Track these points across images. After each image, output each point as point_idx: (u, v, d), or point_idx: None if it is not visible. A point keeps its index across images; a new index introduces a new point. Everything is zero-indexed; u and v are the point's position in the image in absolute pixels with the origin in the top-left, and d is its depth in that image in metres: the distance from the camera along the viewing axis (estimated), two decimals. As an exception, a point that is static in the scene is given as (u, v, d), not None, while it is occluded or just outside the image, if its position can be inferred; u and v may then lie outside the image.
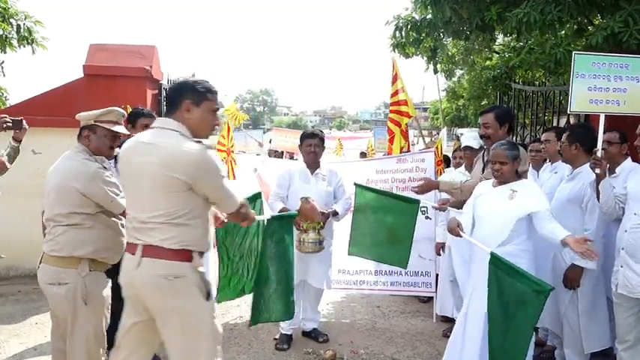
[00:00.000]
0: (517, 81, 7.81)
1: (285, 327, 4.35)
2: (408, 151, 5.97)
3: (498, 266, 3.03)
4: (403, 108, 5.65)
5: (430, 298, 5.13)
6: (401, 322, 4.96)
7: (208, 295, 2.41)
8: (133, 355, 2.47)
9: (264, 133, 13.82)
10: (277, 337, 4.39)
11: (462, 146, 4.67)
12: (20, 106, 6.40)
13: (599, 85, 3.38)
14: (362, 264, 4.97)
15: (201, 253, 2.45)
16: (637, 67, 3.34)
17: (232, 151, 5.13)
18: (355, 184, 4.37)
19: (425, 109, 43.73)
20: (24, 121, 4.02)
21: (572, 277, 3.44)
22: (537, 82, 7.59)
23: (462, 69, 12.13)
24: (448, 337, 4.43)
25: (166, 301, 2.35)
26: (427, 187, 4.12)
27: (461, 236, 3.37)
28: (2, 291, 5.68)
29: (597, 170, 3.18)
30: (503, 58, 8.68)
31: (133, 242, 2.39)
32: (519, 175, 3.43)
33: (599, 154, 3.21)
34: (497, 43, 9.38)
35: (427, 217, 4.92)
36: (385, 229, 4.29)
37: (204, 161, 2.32)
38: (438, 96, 16.77)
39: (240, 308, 5.20)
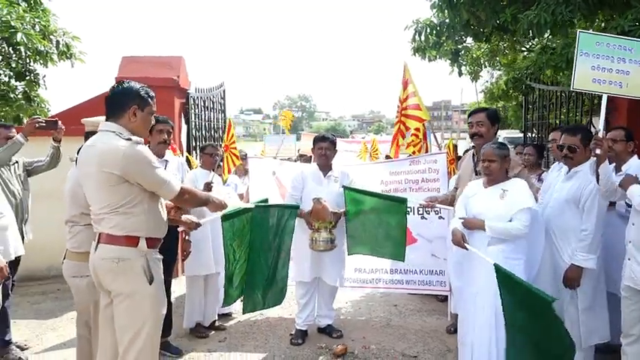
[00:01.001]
0: (546, 81, 7.74)
1: (300, 323, 4.54)
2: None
3: (502, 277, 3.12)
4: (416, 112, 5.74)
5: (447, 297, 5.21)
6: (416, 320, 5.06)
7: (152, 280, 2.65)
8: (114, 336, 2.71)
9: (297, 139, 14.05)
10: (293, 332, 4.57)
11: None
12: (59, 117, 6.82)
13: (602, 65, 3.38)
14: (378, 263, 5.09)
15: (152, 239, 2.69)
16: (638, 50, 3.36)
17: (234, 148, 5.31)
18: (344, 187, 4.43)
19: (464, 111, 43.14)
20: (59, 122, 4.33)
21: (571, 277, 3.46)
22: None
23: (499, 69, 12.03)
24: (451, 332, 4.56)
25: (113, 281, 2.63)
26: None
27: (467, 249, 3.42)
28: (43, 289, 6.09)
29: (598, 151, 3.13)
30: (530, 58, 8.62)
31: (95, 232, 2.70)
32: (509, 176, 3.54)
33: (600, 134, 3.19)
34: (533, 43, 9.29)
35: (440, 217, 5.00)
36: (378, 228, 4.39)
37: (131, 155, 2.55)
38: (476, 97, 16.61)
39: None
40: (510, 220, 3.36)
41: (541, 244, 3.58)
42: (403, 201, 4.30)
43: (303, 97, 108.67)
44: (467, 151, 4.79)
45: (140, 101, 2.71)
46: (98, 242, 2.66)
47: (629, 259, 3.14)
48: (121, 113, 2.68)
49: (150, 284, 2.65)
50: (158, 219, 2.76)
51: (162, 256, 2.82)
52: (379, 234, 4.41)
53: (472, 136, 4.03)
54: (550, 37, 6.05)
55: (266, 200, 4.26)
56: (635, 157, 3.79)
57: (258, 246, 3.87)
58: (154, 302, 2.69)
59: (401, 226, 4.26)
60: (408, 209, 5.04)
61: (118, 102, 2.70)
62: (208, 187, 4.23)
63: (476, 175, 3.91)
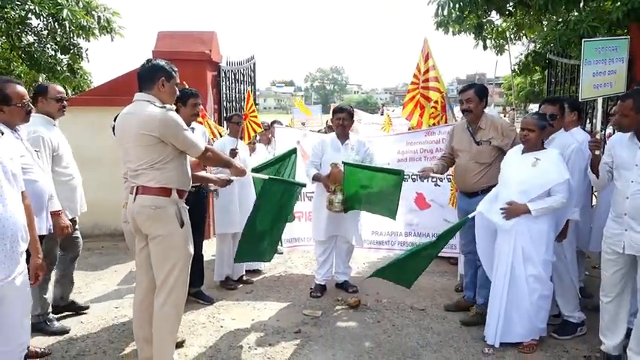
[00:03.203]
0: (573, 55, 7.80)
1: (319, 278, 4.99)
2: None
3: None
4: (435, 84, 5.98)
5: (459, 261, 5.55)
6: (427, 279, 5.41)
7: (182, 223, 3.17)
8: (148, 273, 3.26)
9: (325, 112, 14.44)
10: (313, 286, 5.03)
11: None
12: (101, 88, 7.34)
13: (599, 69, 3.69)
14: (393, 226, 5.50)
15: (181, 191, 3.20)
16: (623, 48, 3.64)
17: (254, 117, 5.65)
18: (343, 162, 4.58)
19: (499, 85, 42.22)
20: None
21: (563, 230, 3.80)
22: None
23: (533, 42, 11.89)
24: (458, 291, 4.94)
25: (151, 225, 3.13)
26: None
27: None
28: (89, 246, 6.65)
29: (597, 152, 3.43)
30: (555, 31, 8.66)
31: (132, 185, 3.17)
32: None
33: (598, 136, 3.48)
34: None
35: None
36: (374, 198, 4.60)
37: (166, 120, 3.02)
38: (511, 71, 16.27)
39: (286, 265, 5.92)
40: (550, 194, 3.62)
41: (569, 209, 3.77)
42: (399, 172, 4.47)
43: (335, 69, 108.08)
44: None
45: (166, 74, 3.16)
46: (136, 194, 3.13)
47: (625, 230, 3.29)
48: (151, 85, 3.14)
49: (181, 227, 3.16)
50: (185, 174, 3.26)
51: (188, 207, 3.32)
52: (374, 200, 4.63)
53: (463, 112, 4.31)
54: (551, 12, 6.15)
55: (294, 150, 4.61)
56: None
57: (260, 211, 4.06)
58: (185, 241, 3.21)
59: (395, 196, 4.41)
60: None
61: (148, 75, 3.16)
62: (233, 152, 4.65)
63: (477, 145, 4.21)
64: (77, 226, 4.32)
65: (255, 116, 5.50)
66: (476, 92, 4.23)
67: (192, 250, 3.29)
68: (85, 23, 7.77)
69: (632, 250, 3.27)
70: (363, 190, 4.58)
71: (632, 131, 3.28)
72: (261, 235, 4.12)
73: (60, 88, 4.14)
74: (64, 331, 4.04)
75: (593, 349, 3.69)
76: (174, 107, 3.18)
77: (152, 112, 3.02)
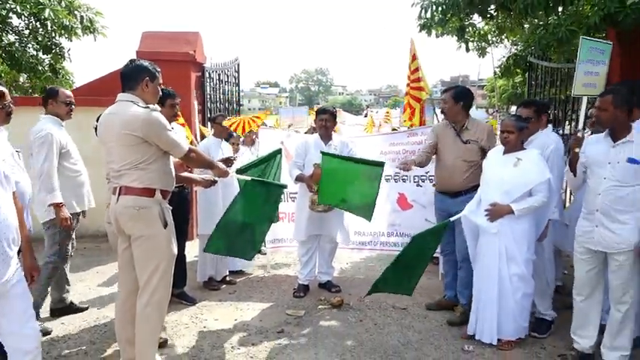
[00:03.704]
0: (552, 58, 7.92)
1: (302, 278, 5.02)
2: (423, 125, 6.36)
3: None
4: (422, 84, 6.03)
5: (442, 261, 5.61)
6: (409, 279, 5.49)
7: (166, 224, 3.17)
8: (131, 274, 3.26)
9: (308, 114, 14.54)
10: (296, 287, 5.06)
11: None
12: (84, 88, 7.30)
13: (589, 69, 3.83)
14: (376, 226, 5.54)
15: (165, 191, 3.20)
16: (607, 53, 3.75)
17: (256, 117, 5.69)
18: (322, 152, 4.59)
19: (482, 87, 42.56)
20: None
21: (545, 230, 3.90)
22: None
23: (515, 44, 12.05)
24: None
25: (134, 226, 3.12)
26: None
27: None
28: (71, 247, 6.65)
29: (577, 149, 3.51)
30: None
31: (115, 186, 3.17)
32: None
33: (579, 134, 3.58)
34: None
35: (434, 185, 5.37)
36: (352, 190, 4.61)
37: (150, 120, 3.04)
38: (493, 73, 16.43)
39: (269, 265, 5.94)
40: (531, 194, 3.71)
41: (550, 208, 3.87)
42: (381, 164, 4.52)
43: (320, 70, 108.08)
44: None
45: (149, 74, 3.17)
46: (119, 194, 3.13)
47: (596, 227, 3.36)
48: (135, 85, 3.14)
49: (165, 228, 3.16)
50: (169, 174, 3.27)
51: (171, 207, 3.32)
52: (352, 196, 4.62)
53: (442, 112, 4.45)
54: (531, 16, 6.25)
55: (279, 151, 4.64)
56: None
57: (239, 209, 4.07)
58: (169, 242, 3.21)
59: (374, 190, 4.46)
60: (405, 176, 5.46)
61: (132, 76, 3.16)
62: (229, 162, 4.60)
63: (463, 143, 4.27)
64: (78, 225, 4.40)
65: (258, 117, 5.53)
66: (451, 95, 4.31)
67: (175, 251, 3.30)
68: (68, 23, 7.67)
69: (601, 246, 3.33)
70: (340, 182, 4.57)
71: (609, 126, 3.34)
72: (238, 232, 4.12)
73: (69, 92, 4.32)
74: (45, 332, 4.02)
75: (569, 347, 3.77)
76: (158, 108, 3.19)
77: (135, 112, 3.03)
